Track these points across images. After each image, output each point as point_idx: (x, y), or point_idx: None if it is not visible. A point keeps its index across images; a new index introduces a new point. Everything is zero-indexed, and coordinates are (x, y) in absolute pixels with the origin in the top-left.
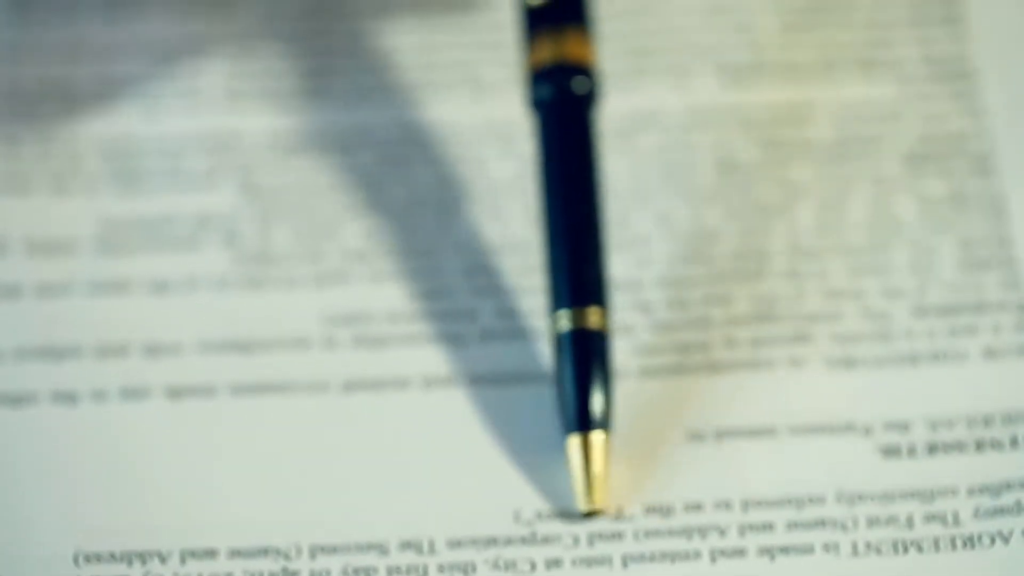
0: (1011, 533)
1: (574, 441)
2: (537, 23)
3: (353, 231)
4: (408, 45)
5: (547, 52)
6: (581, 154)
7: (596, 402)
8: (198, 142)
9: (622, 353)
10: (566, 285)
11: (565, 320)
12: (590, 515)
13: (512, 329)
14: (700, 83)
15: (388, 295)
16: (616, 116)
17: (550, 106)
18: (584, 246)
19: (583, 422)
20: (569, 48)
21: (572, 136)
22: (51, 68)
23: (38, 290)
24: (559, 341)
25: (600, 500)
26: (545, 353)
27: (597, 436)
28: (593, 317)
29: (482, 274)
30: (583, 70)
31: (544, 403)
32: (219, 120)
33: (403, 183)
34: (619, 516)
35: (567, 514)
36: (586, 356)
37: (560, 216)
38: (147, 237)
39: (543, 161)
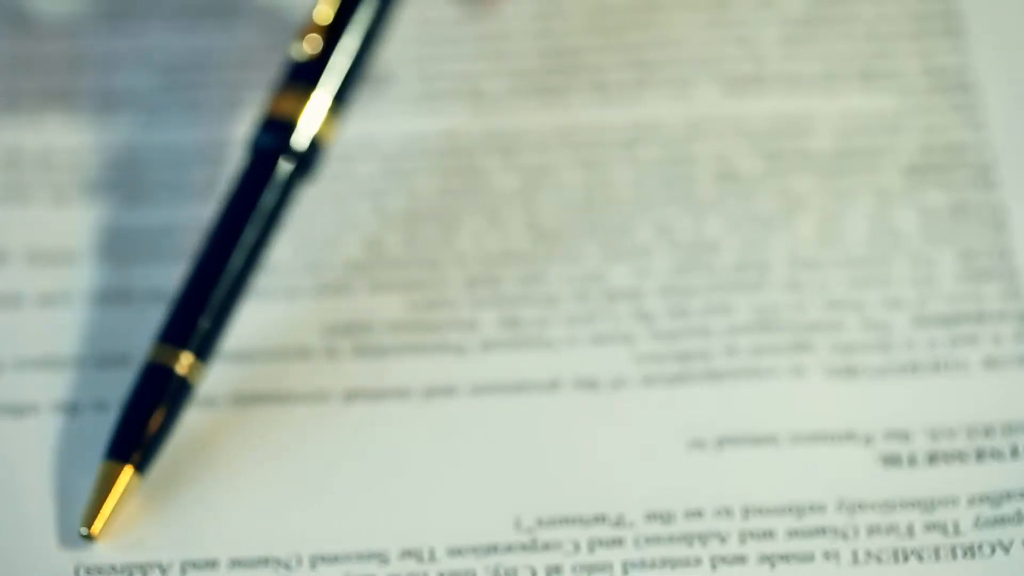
0: (1011, 543)
1: (105, 467)
2: (297, 75)
3: (354, 242)
4: (409, 56)
5: (289, 106)
6: (260, 210)
7: (142, 440)
8: (199, 153)
9: (624, 361)
10: (172, 322)
11: (155, 352)
12: (87, 538)
13: (514, 339)
14: (701, 94)
15: (389, 305)
16: (618, 127)
17: (260, 155)
18: (210, 295)
19: (121, 454)
20: (309, 115)
21: (262, 190)
22: (53, 79)
23: (39, 300)
24: (141, 368)
25: (98, 528)
26: (537, 361)
27: (126, 472)
28: (184, 361)
29: (483, 284)
30: (312, 141)
31: (543, 410)
32: (220, 131)
33: (405, 194)
34: (619, 522)
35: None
36: (154, 394)
37: (205, 258)
38: (148, 248)
39: (224, 201)
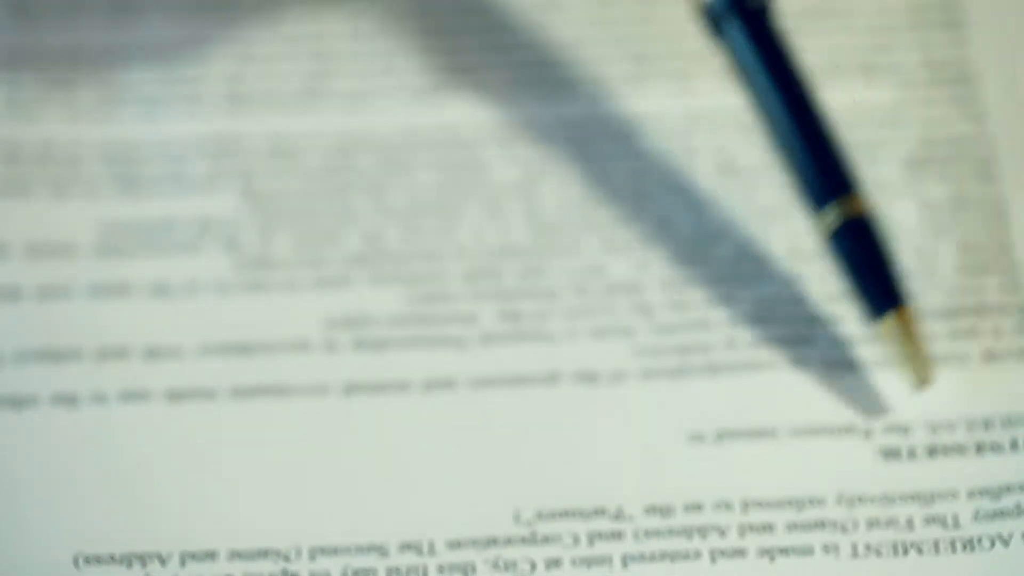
0: (1011, 536)
1: (888, 323)
2: None
3: (354, 235)
4: (410, 48)
5: None
6: (782, 61)
7: (896, 280)
8: (199, 146)
9: (624, 354)
10: (824, 181)
11: (834, 215)
12: (922, 386)
13: (514, 332)
14: (701, 86)
15: (389, 299)
16: (617, 119)
17: (734, 26)
18: (825, 141)
19: (888, 304)
20: None
21: (765, 47)
22: (52, 71)
23: (39, 293)
24: (834, 237)
25: (928, 373)
26: (537, 354)
27: (906, 312)
28: (855, 203)
29: (483, 277)
30: None
31: (542, 403)
32: (220, 124)
33: (405, 186)
34: (619, 516)
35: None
36: (869, 242)
37: (792, 121)
38: (148, 241)
39: (749, 80)
